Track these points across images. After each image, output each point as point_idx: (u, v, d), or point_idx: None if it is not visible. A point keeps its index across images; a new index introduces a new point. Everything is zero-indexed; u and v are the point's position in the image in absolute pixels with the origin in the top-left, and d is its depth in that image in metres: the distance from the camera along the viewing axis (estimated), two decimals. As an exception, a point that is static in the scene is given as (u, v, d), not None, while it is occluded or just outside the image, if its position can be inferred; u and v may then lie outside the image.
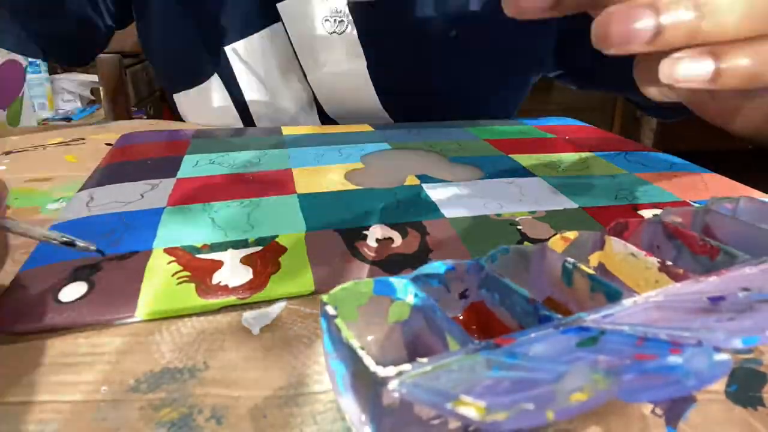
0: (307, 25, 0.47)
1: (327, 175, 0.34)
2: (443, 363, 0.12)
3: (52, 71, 1.45)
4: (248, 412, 0.16)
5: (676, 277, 0.17)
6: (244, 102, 0.51)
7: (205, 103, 0.52)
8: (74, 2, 0.48)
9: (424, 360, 0.12)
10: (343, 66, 0.48)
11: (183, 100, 0.53)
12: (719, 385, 0.18)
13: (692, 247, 0.19)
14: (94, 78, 1.40)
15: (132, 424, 0.16)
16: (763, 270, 0.16)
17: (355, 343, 0.13)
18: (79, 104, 1.53)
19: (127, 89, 0.75)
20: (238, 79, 0.50)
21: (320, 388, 0.17)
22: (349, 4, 0.46)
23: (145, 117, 1.51)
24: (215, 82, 0.50)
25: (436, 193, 0.32)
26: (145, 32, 0.53)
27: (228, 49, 0.49)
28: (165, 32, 0.51)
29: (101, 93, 0.78)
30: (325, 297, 0.15)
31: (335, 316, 0.14)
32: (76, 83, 1.51)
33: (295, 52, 0.48)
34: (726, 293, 0.14)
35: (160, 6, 0.49)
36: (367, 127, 0.47)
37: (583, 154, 0.40)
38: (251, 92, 0.50)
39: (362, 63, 0.48)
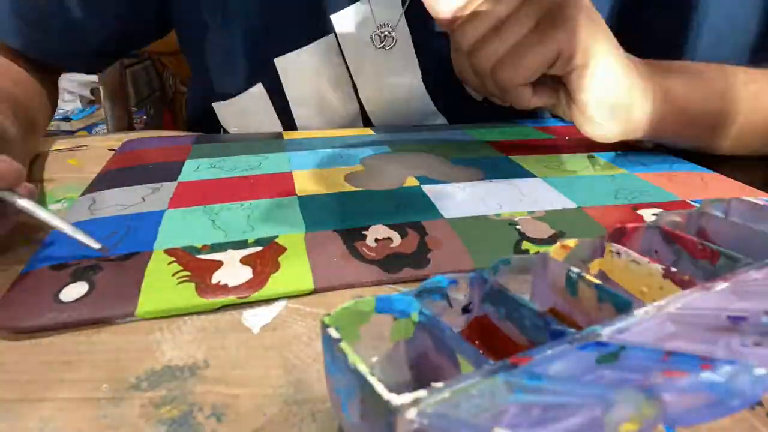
0: (360, 37, 0.46)
1: (327, 178, 0.34)
2: (461, 387, 0.11)
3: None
4: (248, 410, 0.17)
5: (681, 284, 0.16)
6: (290, 114, 0.50)
7: (248, 114, 0.50)
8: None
9: (440, 385, 0.11)
10: (398, 79, 0.48)
11: (225, 110, 0.51)
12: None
13: (692, 252, 0.19)
14: (94, 78, 1.40)
15: (133, 422, 0.16)
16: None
17: (365, 369, 0.12)
18: (79, 104, 1.53)
19: (127, 89, 0.75)
20: (286, 92, 0.48)
21: (319, 386, 0.18)
22: (405, 9, 0.45)
23: (145, 117, 1.51)
24: (259, 93, 0.49)
25: (435, 193, 0.32)
26: (187, 42, 0.52)
27: (278, 60, 0.47)
28: (209, 42, 0.49)
29: (101, 93, 0.78)
30: (326, 319, 0.14)
31: (339, 340, 0.13)
32: (75, 83, 1.51)
33: (346, 66, 0.47)
34: (748, 314, 0.14)
35: (204, 16, 0.48)
36: (367, 131, 0.47)
37: (583, 155, 0.40)
38: (297, 106, 0.49)
39: (417, 74, 0.47)
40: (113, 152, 0.42)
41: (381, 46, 0.46)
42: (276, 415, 0.16)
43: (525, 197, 0.31)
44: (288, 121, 0.50)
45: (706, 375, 0.10)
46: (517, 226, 0.28)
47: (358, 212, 0.29)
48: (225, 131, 0.53)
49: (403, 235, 0.26)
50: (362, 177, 0.35)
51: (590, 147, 0.42)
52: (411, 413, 0.11)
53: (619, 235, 0.20)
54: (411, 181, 0.34)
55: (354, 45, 0.46)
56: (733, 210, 0.21)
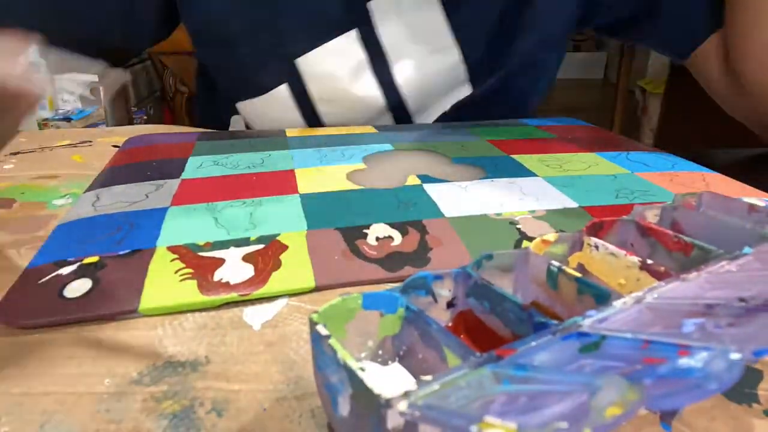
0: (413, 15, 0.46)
1: (329, 176, 0.35)
2: (450, 380, 0.12)
3: (52, 71, 1.45)
4: (248, 406, 0.17)
5: (657, 275, 0.17)
6: (315, 112, 0.50)
7: (272, 113, 0.50)
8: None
9: (429, 378, 0.12)
10: (438, 58, 0.48)
11: (249, 109, 0.51)
12: (715, 382, 0.18)
13: (666, 244, 0.19)
14: (94, 78, 1.41)
15: (134, 416, 0.16)
16: (741, 265, 0.16)
17: (354, 364, 0.12)
18: (79, 104, 1.53)
19: (127, 89, 0.75)
20: (309, 90, 0.48)
21: (319, 382, 0.18)
22: None
23: (145, 117, 1.52)
24: (284, 92, 0.49)
25: (436, 192, 0.32)
26: (204, 46, 0.51)
27: (299, 61, 0.47)
28: (230, 49, 0.49)
29: (101, 93, 0.79)
30: (314, 316, 0.14)
31: (329, 336, 0.13)
32: (76, 83, 1.51)
33: (383, 52, 0.47)
34: (723, 301, 0.14)
35: (224, 21, 0.47)
36: (370, 129, 0.48)
37: (585, 154, 0.40)
38: (321, 102, 0.49)
39: (456, 51, 0.48)
40: (117, 148, 0.42)
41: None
42: (275, 411, 0.17)
43: (526, 196, 0.32)
44: (314, 119, 0.50)
45: (684, 361, 0.11)
46: (518, 226, 0.28)
47: (359, 210, 0.29)
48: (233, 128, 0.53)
49: (404, 234, 0.27)
50: (364, 175, 0.35)
51: (592, 147, 0.42)
52: (401, 406, 0.11)
53: (597, 229, 0.20)
54: (413, 180, 0.34)
55: (395, 27, 0.46)
56: (705, 203, 0.22)
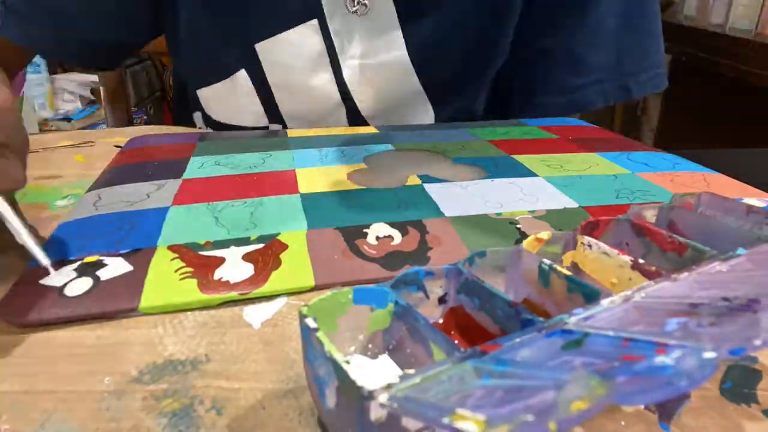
0: (343, 11, 0.46)
1: (330, 176, 0.35)
2: (432, 374, 0.12)
3: (52, 71, 1.45)
4: (248, 404, 0.17)
5: (649, 275, 0.17)
6: (273, 100, 0.50)
7: (230, 99, 0.51)
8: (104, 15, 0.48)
9: (412, 371, 0.12)
10: (383, 54, 0.48)
11: (209, 95, 0.52)
12: (714, 382, 0.18)
13: (661, 244, 0.19)
14: (94, 78, 1.40)
15: (134, 414, 0.16)
16: (732, 266, 0.16)
17: (340, 357, 0.13)
18: (79, 104, 1.53)
19: (127, 89, 0.75)
20: (267, 77, 0.49)
21: (318, 381, 0.18)
22: None
23: (145, 117, 1.52)
24: (242, 78, 0.49)
25: (436, 192, 0.32)
26: (171, 26, 0.52)
27: (258, 46, 0.47)
28: (192, 28, 0.50)
29: (101, 93, 0.79)
30: (304, 309, 0.14)
31: (317, 329, 0.14)
32: (76, 83, 1.51)
33: (333, 46, 0.48)
34: (708, 301, 0.14)
35: (188, 2, 0.48)
36: (371, 129, 0.48)
37: (586, 154, 0.40)
38: (279, 90, 0.50)
39: (402, 48, 0.48)
40: (119, 149, 0.42)
41: (353, 11, 0.46)
42: (275, 409, 0.17)
43: (526, 196, 0.32)
44: (272, 107, 0.50)
45: (660, 359, 0.11)
46: (518, 225, 0.28)
47: (359, 210, 0.29)
48: (206, 116, 0.54)
49: (404, 234, 0.27)
50: (365, 175, 0.35)
51: (594, 147, 0.42)
52: (382, 398, 0.11)
53: (592, 228, 0.21)
54: (413, 180, 0.34)
55: (339, 20, 0.47)
56: (703, 203, 0.22)
